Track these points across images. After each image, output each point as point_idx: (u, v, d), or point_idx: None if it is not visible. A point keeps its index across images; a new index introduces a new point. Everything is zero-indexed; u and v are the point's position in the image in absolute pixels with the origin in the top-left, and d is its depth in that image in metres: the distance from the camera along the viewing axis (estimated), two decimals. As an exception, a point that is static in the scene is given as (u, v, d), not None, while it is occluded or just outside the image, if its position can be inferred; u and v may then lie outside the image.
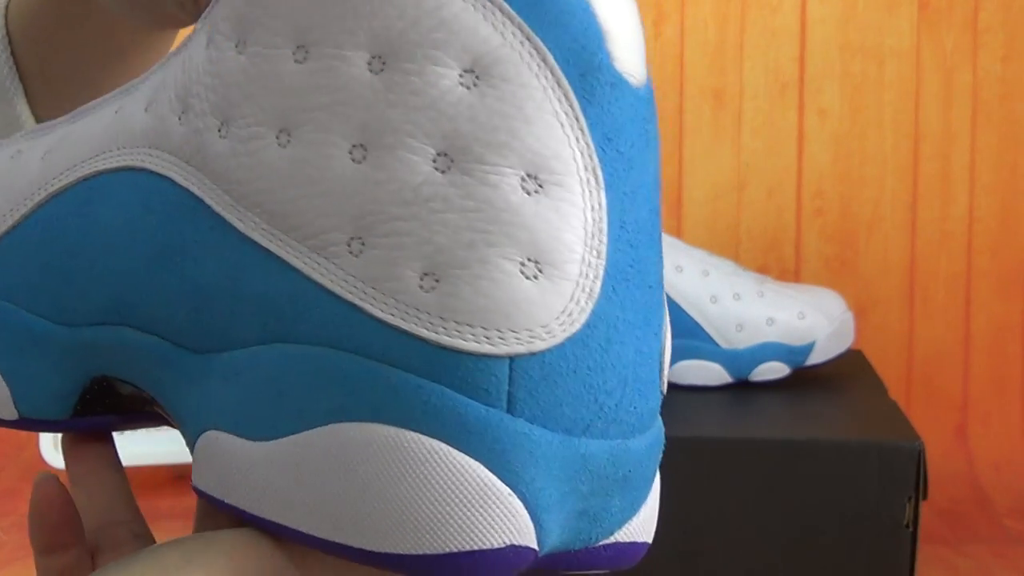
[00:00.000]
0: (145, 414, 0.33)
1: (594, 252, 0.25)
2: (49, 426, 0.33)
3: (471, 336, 0.25)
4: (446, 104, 0.25)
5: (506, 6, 0.25)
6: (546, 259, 0.25)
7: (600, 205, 0.25)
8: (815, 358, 0.93)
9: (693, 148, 1.30)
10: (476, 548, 0.25)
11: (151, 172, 0.29)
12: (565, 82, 0.25)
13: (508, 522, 0.25)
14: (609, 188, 0.26)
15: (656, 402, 0.28)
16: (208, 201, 0.28)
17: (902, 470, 0.73)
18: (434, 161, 0.25)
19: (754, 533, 0.74)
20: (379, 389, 0.25)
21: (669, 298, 0.94)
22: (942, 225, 1.29)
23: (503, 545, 0.25)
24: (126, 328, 0.30)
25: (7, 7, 0.45)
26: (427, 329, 0.25)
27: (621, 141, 0.26)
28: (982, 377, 1.28)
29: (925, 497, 0.74)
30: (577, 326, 0.25)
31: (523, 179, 0.25)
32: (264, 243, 0.27)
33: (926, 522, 1.08)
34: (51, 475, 0.33)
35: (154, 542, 0.34)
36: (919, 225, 1.29)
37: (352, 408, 0.25)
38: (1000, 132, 1.28)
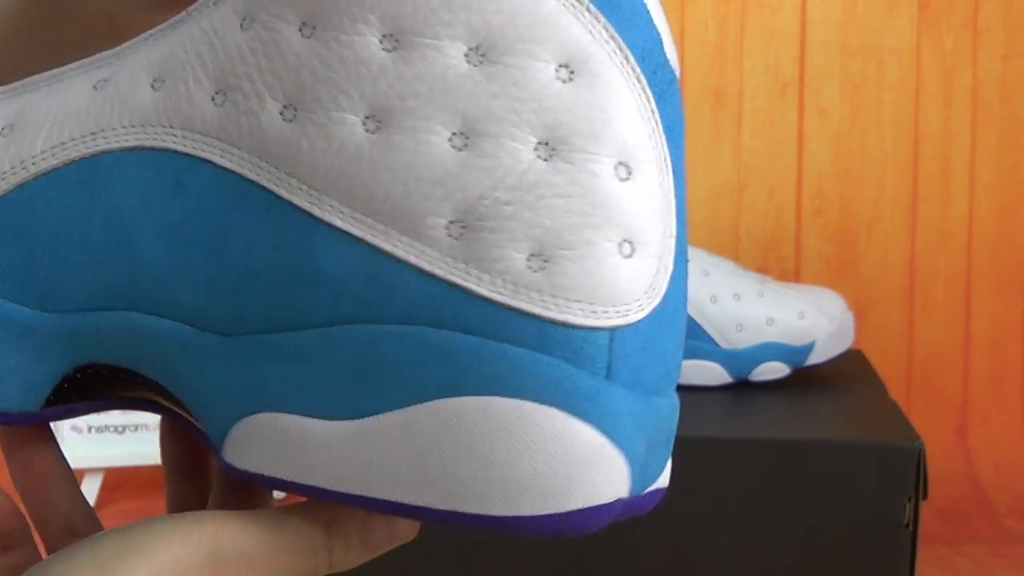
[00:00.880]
0: (117, 399, 0.32)
1: (669, 232, 0.28)
2: (11, 419, 0.32)
3: (579, 311, 0.27)
4: (546, 96, 0.27)
5: (592, 7, 0.27)
6: (638, 239, 0.27)
7: (670, 189, 0.28)
8: (815, 358, 0.93)
9: (693, 148, 1.30)
10: (593, 504, 0.27)
11: (179, 152, 0.29)
12: (643, 78, 0.28)
13: (617, 478, 0.27)
14: (673, 173, 0.28)
15: None
16: (266, 184, 0.28)
17: (902, 470, 0.73)
18: (536, 149, 0.27)
19: (754, 533, 0.74)
20: (494, 363, 0.27)
21: (669, 298, 0.93)
22: (942, 225, 1.29)
23: (613, 499, 0.27)
24: (133, 313, 0.30)
25: None
26: (539, 306, 0.27)
27: (675, 131, 0.29)
28: (982, 377, 1.28)
29: (925, 497, 0.74)
30: (658, 299, 0.28)
31: (616, 166, 0.27)
32: (344, 226, 0.27)
33: (926, 522, 1.08)
34: None
35: None
36: (919, 225, 1.29)
37: (463, 383, 0.27)
38: (1000, 132, 1.28)
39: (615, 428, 0.27)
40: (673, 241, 0.28)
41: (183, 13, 0.31)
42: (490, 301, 0.27)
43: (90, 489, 1.25)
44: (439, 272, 0.27)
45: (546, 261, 0.27)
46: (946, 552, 1.01)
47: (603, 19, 0.27)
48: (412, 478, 0.27)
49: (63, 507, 0.34)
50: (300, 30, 0.28)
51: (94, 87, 0.31)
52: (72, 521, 0.34)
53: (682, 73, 1.29)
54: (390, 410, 0.27)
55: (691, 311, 0.92)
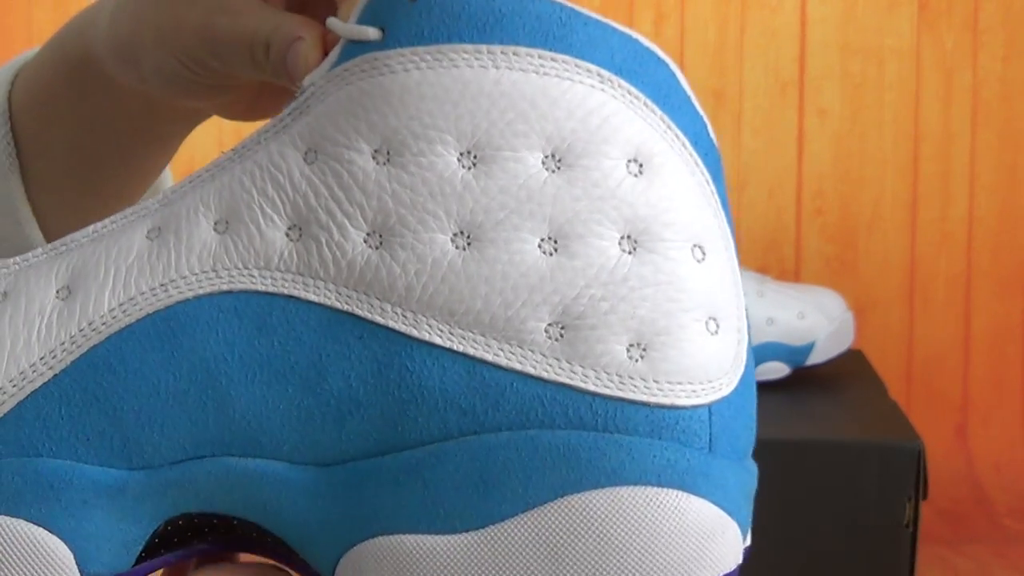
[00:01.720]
0: (207, 545, 0.32)
1: (740, 305, 0.30)
2: None
3: (682, 393, 0.28)
4: (623, 192, 0.28)
5: (650, 101, 0.29)
6: (720, 315, 0.29)
7: (734, 265, 0.30)
8: (815, 358, 0.93)
9: (693, 148, 1.30)
10: (721, 573, 0.28)
11: (259, 292, 0.29)
12: (701, 162, 0.29)
13: (735, 545, 0.29)
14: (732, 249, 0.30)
15: None
16: (359, 312, 0.29)
17: (902, 470, 0.73)
18: (620, 244, 0.28)
19: (754, 533, 0.74)
20: (613, 455, 0.27)
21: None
22: (942, 225, 1.29)
23: (735, 567, 0.29)
24: (226, 458, 0.30)
25: (13, 81, 0.44)
26: (645, 394, 0.28)
27: (727, 208, 0.30)
28: (982, 377, 1.28)
29: (925, 497, 0.74)
30: (741, 369, 0.29)
31: (692, 249, 0.29)
32: (444, 343, 0.28)
33: (926, 522, 1.08)
34: None
35: None
36: (919, 225, 1.29)
37: (586, 478, 0.27)
38: (1000, 132, 1.28)
39: (727, 498, 0.28)
40: (743, 313, 0.30)
41: (230, 151, 0.31)
42: (598, 395, 0.28)
43: None
44: (545, 375, 0.28)
45: (645, 349, 0.28)
46: (946, 552, 1.01)
47: (659, 111, 0.29)
48: None
49: None
50: (374, 158, 0.29)
51: (147, 237, 0.31)
52: None
53: (682, 74, 1.29)
54: (514, 515, 0.28)
55: (691, 311, 0.92)
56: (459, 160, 0.28)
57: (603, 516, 0.27)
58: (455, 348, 0.28)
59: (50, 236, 0.45)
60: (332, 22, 0.30)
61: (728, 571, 0.29)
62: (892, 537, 0.73)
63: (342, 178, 0.29)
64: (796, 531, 0.74)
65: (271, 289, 0.29)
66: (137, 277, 0.30)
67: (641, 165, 0.28)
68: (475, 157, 0.28)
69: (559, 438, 0.28)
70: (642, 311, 0.28)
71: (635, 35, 0.29)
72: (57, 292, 0.31)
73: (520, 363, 0.28)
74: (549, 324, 0.28)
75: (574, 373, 0.28)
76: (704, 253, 0.29)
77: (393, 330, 0.28)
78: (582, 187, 0.28)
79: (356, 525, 0.29)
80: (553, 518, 0.28)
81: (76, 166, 0.44)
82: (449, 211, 0.28)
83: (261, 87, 0.40)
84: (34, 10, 1.35)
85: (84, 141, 0.43)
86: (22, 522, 0.30)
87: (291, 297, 0.29)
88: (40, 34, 1.34)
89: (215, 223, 0.30)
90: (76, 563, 0.30)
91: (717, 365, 0.28)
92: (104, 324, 0.30)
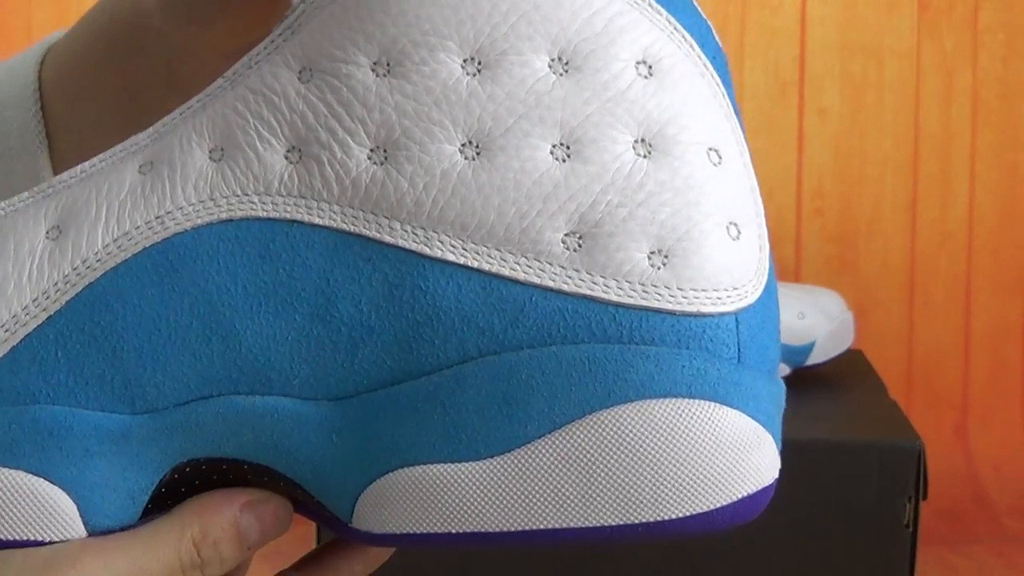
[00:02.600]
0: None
1: (758, 210, 0.28)
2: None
3: (707, 300, 0.27)
4: (634, 94, 0.27)
5: (654, 2, 0.28)
6: (741, 220, 0.28)
7: (749, 171, 0.28)
8: (815, 358, 0.93)
9: (693, 148, 1.30)
10: (760, 487, 0.27)
11: (260, 219, 0.28)
12: (711, 66, 0.28)
13: (772, 458, 0.28)
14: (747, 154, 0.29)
15: None
16: (368, 233, 0.27)
17: (902, 470, 0.73)
18: (634, 148, 0.27)
19: (754, 533, 0.74)
20: (641, 366, 0.26)
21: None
22: (942, 225, 1.29)
23: (773, 480, 0.28)
24: (234, 396, 0.28)
25: (42, 61, 0.44)
26: (670, 302, 0.27)
27: (738, 112, 0.29)
28: (982, 377, 1.28)
29: (925, 497, 0.74)
30: (764, 277, 0.28)
31: (708, 152, 0.27)
32: (459, 259, 0.27)
33: (926, 522, 1.08)
34: None
35: None
36: (919, 225, 1.29)
37: (614, 392, 0.26)
38: (1000, 132, 1.28)
39: (761, 410, 0.27)
40: (762, 220, 0.29)
41: (220, 79, 0.29)
42: (621, 306, 0.27)
43: None
44: (565, 287, 0.27)
45: (667, 256, 0.27)
46: (946, 552, 1.02)
47: (664, 12, 0.28)
48: (580, 500, 0.27)
49: None
50: (373, 70, 0.28)
51: (139, 172, 0.29)
52: None
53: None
54: (542, 435, 0.27)
55: (691, 311, 0.92)
56: (463, 67, 0.27)
57: (634, 431, 0.26)
58: (469, 264, 0.27)
59: None
60: None
61: (766, 485, 0.27)
62: (892, 537, 0.73)
63: (341, 93, 0.28)
64: (796, 531, 0.74)
65: (272, 215, 0.28)
66: (131, 211, 0.29)
67: (650, 67, 0.27)
68: (479, 63, 0.27)
69: (583, 352, 0.27)
70: (662, 216, 0.27)
71: None
72: (47, 232, 0.29)
73: (538, 276, 0.27)
74: (566, 234, 0.27)
75: (595, 284, 0.27)
76: (720, 157, 0.28)
77: (403, 249, 0.27)
78: (592, 90, 0.27)
79: (375, 459, 0.28)
80: (582, 436, 0.26)
81: (106, 140, 0.44)
82: (456, 120, 0.27)
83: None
84: (34, 10, 1.35)
85: (119, 112, 0.43)
86: (21, 473, 0.28)
87: (294, 221, 0.28)
88: (40, 34, 1.34)
89: (210, 151, 0.29)
90: (80, 515, 0.29)
91: (741, 271, 0.27)
92: (98, 261, 0.29)
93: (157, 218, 0.29)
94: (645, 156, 0.27)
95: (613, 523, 0.27)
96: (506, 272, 0.27)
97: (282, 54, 0.29)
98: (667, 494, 0.26)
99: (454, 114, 0.27)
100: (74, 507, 0.28)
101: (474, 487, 0.27)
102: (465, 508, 0.27)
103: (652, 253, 0.27)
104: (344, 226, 0.27)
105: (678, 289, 0.27)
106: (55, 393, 0.28)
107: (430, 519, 0.27)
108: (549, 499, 0.27)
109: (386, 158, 0.27)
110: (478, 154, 0.27)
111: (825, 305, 0.94)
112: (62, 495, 0.28)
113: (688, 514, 0.27)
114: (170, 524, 0.29)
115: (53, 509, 0.28)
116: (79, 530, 0.29)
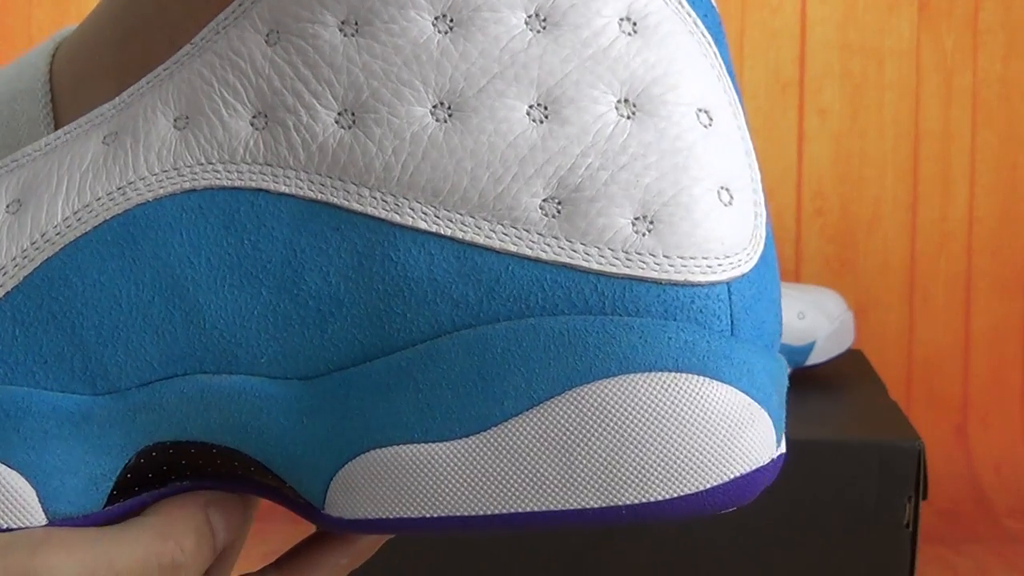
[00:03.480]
0: (188, 481, 0.29)
1: (753, 175, 0.27)
2: (74, 523, 0.28)
3: (696, 268, 0.25)
4: (617, 52, 0.26)
5: None
6: (733, 185, 0.26)
7: (744, 133, 0.27)
8: (815, 358, 0.93)
9: (693, 148, 1.30)
10: (753, 468, 0.25)
11: (224, 188, 0.27)
12: (701, 24, 0.27)
13: (767, 437, 0.26)
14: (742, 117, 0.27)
15: None
16: (333, 200, 0.26)
17: (902, 470, 0.73)
18: (617, 108, 0.26)
19: (754, 533, 0.74)
20: (623, 339, 0.25)
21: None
22: (942, 225, 1.29)
23: (769, 460, 0.26)
24: (199, 376, 0.27)
25: (54, 53, 0.44)
26: (655, 270, 0.25)
27: (732, 73, 0.27)
28: (982, 377, 1.28)
29: (925, 497, 0.74)
30: (761, 246, 0.26)
31: (697, 113, 0.26)
32: (431, 227, 0.25)
33: (926, 522, 1.08)
34: None
35: None
36: (919, 225, 1.29)
37: (595, 367, 0.25)
38: (1000, 132, 1.28)
39: (754, 385, 0.26)
40: (758, 186, 0.27)
41: (188, 46, 0.28)
42: (603, 275, 0.25)
43: None
44: (543, 255, 0.25)
45: (652, 222, 0.25)
46: (946, 552, 1.01)
47: None
48: (560, 481, 0.25)
49: None
50: (341, 30, 0.26)
51: (103, 143, 0.28)
52: None
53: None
54: (519, 413, 0.25)
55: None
56: (434, 24, 0.26)
57: (617, 407, 0.25)
58: (442, 232, 0.25)
59: None
60: None
61: (762, 465, 0.26)
62: (892, 537, 0.73)
63: (307, 55, 0.26)
64: (795, 531, 0.74)
65: (237, 183, 0.27)
66: (92, 182, 0.28)
67: (635, 23, 0.26)
68: (451, 20, 0.26)
69: (563, 324, 0.25)
70: (646, 180, 0.25)
71: None
72: (7, 207, 0.28)
73: (515, 244, 0.25)
74: (544, 199, 0.25)
75: (575, 252, 0.25)
76: (711, 118, 0.26)
77: (373, 217, 0.26)
78: (571, 47, 0.25)
79: (346, 441, 0.26)
80: (561, 413, 0.25)
81: None
82: (426, 80, 0.26)
83: None
84: (34, 10, 1.35)
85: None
86: None
87: (259, 190, 0.26)
88: (40, 34, 1.34)
89: (175, 119, 0.28)
90: (39, 500, 0.27)
91: (733, 239, 0.26)
92: (58, 234, 0.27)
93: (119, 188, 0.27)
94: (629, 117, 0.25)
95: (595, 505, 0.25)
96: (480, 240, 0.25)
97: (250, 17, 0.27)
98: (652, 474, 0.25)
99: (424, 74, 0.26)
100: (33, 492, 0.27)
101: (449, 468, 0.26)
102: (440, 491, 0.26)
103: (636, 219, 0.25)
104: (311, 194, 0.26)
105: (664, 257, 0.25)
106: (12, 373, 0.27)
107: (403, 503, 0.26)
108: (527, 480, 0.25)
109: (354, 122, 0.26)
110: (450, 116, 0.26)
111: (825, 305, 0.94)
112: (20, 479, 0.27)
113: (675, 495, 0.25)
114: (141, 524, 0.28)
115: (10, 494, 0.27)
116: (39, 516, 0.27)
